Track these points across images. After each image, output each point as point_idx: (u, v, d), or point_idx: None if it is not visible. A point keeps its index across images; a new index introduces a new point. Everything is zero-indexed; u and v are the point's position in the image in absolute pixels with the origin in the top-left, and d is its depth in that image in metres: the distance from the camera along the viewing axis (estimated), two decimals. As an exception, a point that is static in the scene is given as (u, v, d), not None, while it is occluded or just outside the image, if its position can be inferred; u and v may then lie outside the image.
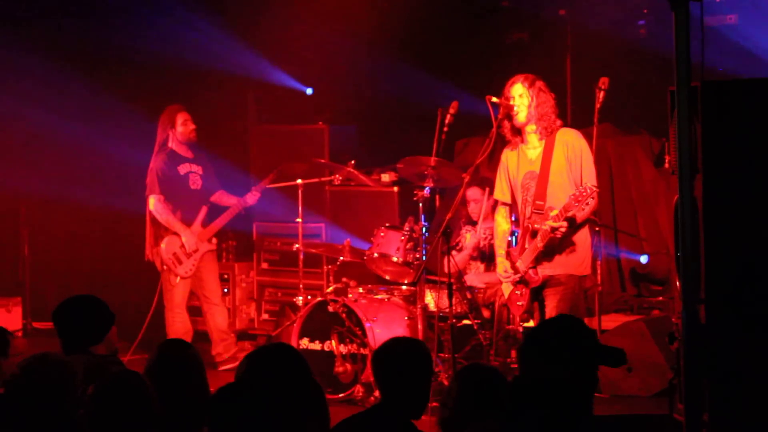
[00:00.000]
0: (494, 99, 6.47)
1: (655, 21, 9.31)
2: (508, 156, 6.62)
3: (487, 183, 8.18)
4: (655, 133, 9.50)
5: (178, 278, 8.58)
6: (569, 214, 6.12)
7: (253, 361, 3.94)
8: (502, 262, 6.60)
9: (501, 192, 6.70)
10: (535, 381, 3.54)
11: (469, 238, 8.31)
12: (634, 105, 9.41)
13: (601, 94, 7.26)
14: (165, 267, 8.60)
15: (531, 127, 6.45)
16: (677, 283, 5.09)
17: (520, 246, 6.43)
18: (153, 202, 8.57)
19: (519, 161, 6.53)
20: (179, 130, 8.65)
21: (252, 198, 8.75)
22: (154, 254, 8.64)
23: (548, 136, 6.41)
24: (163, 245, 8.56)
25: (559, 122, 6.46)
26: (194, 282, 8.73)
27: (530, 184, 6.42)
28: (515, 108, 6.43)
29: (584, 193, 5.95)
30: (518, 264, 6.41)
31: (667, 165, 8.92)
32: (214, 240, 8.81)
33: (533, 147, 6.48)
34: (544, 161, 6.36)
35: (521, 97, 6.44)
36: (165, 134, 8.67)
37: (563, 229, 6.10)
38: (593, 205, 6.21)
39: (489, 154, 6.65)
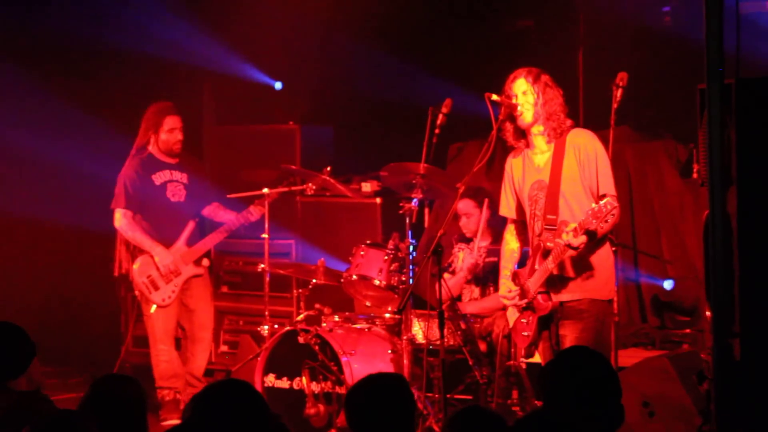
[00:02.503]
0: (494, 97, 6.45)
1: (683, 7, 9.33)
2: (512, 165, 6.61)
3: (482, 194, 8.16)
4: (682, 138, 9.51)
5: (154, 307, 8.36)
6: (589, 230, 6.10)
7: (200, 402, 3.91)
8: (505, 283, 6.58)
9: (507, 207, 6.68)
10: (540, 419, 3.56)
11: (462, 257, 8.29)
12: (658, 105, 9.43)
13: (619, 93, 7.25)
14: (139, 293, 8.43)
15: (538, 129, 6.44)
16: (707, 312, 5.08)
17: (530, 267, 6.41)
18: (118, 218, 8.40)
19: (525, 169, 6.51)
20: (162, 137, 8.44)
21: (256, 212, 8.49)
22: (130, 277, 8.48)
23: (557, 138, 6.39)
24: (135, 266, 8.37)
25: (569, 122, 6.45)
26: (181, 313, 8.53)
27: (539, 196, 6.40)
28: (519, 107, 6.42)
29: (604, 210, 5.94)
30: (526, 287, 6.39)
31: (695, 175, 9.01)
32: (205, 262, 8.58)
33: (540, 152, 6.46)
34: (554, 168, 6.34)
35: (525, 94, 6.42)
36: (146, 137, 8.46)
37: (582, 246, 6.07)
38: (614, 220, 6.19)
39: (488, 160, 6.64)
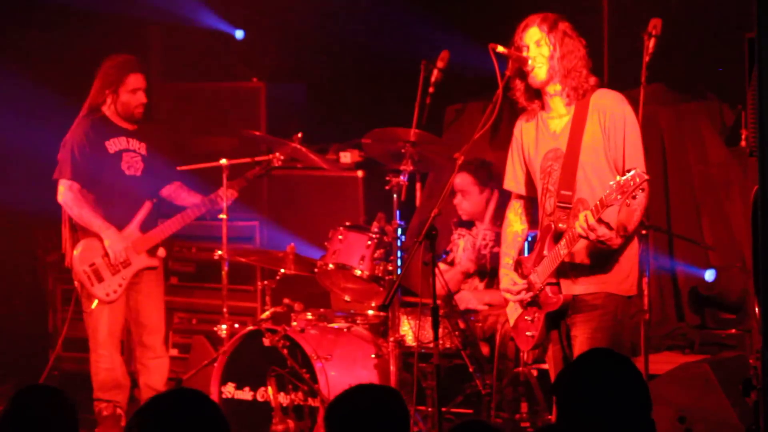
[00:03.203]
0: (501, 48, 6.43)
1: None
2: (523, 129, 6.59)
3: (484, 168, 8.16)
4: (728, 98, 9.52)
5: (96, 302, 8.25)
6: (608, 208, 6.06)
7: (145, 417, 3.90)
8: (507, 274, 6.56)
9: (514, 179, 6.65)
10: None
11: (463, 245, 8.29)
12: (698, 58, 9.43)
13: (652, 43, 7.26)
14: (78, 284, 8.34)
15: (554, 88, 6.42)
16: (756, 309, 5.10)
17: (537, 253, 6.39)
18: (62, 191, 8.25)
19: (538, 136, 6.49)
20: (123, 98, 8.31)
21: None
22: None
23: (579, 99, 6.37)
24: (76, 251, 8.26)
25: (592, 80, 6.42)
26: (127, 312, 8.44)
27: (553, 167, 6.38)
28: (530, 61, 6.40)
29: (630, 183, 5.92)
30: (532, 278, 6.37)
31: (743, 143, 9.02)
32: (161, 252, 8.47)
33: (558, 115, 6.44)
34: (573, 135, 6.32)
35: (539, 45, 6.40)
36: (102, 96, 8.32)
37: (600, 234, 6.04)
38: (643, 200, 6.17)
39: (492, 125, 6.63)
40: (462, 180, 8.17)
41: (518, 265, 6.47)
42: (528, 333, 6.44)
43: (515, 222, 6.68)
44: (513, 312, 6.55)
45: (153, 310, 8.51)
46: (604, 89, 6.44)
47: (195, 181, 8.67)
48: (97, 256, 8.25)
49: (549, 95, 6.43)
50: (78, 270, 8.26)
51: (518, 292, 6.43)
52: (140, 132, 8.47)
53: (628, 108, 6.35)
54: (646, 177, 5.86)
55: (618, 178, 5.90)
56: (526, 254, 6.62)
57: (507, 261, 6.60)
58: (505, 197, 7.56)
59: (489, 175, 8.15)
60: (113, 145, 8.35)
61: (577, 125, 6.32)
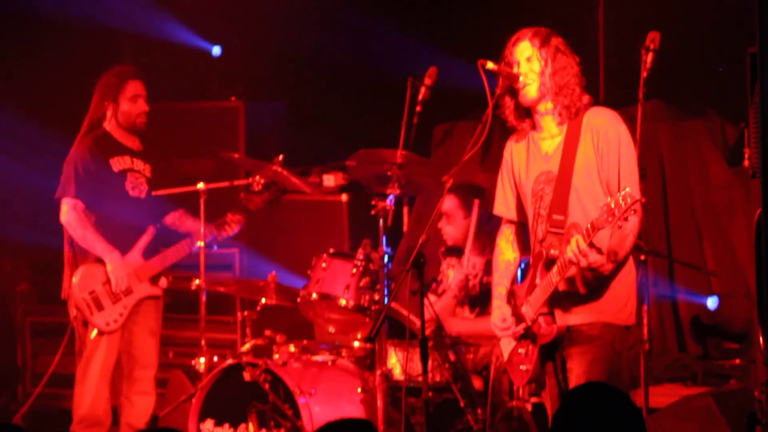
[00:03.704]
0: (490, 65, 6.41)
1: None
2: (513, 151, 6.56)
3: (472, 192, 8.13)
4: (730, 116, 9.52)
5: (95, 332, 8.18)
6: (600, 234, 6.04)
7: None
8: (499, 307, 6.53)
9: (504, 204, 6.63)
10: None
11: (452, 275, 8.26)
12: (699, 73, 9.43)
13: (650, 57, 7.24)
14: (77, 312, 8.25)
15: (545, 106, 6.40)
16: (761, 338, 5.08)
17: (529, 282, 6.37)
18: (66, 210, 8.20)
19: (529, 158, 6.47)
20: (123, 107, 8.29)
21: (234, 224, 8.38)
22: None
23: (571, 119, 6.35)
24: (75, 278, 8.19)
25: (586, 98, 6.40)
26: (120, 342, 8.34)
27: (545, 191, 6.36)
28: (521, 78, 6.38)
29: (622, 204, 5.89)
30: (524, 309, 6.35)
31: (746, 162, 9.01)
32: (163, 281, 8.41)
33: (549, 135, 6.42)
34: (566, 157, 6.30)
35: (530, 61, 6.39)
36: (101, 109, 8.31)
37: (591, 260, 6.01)
38: (636, 224, 6.15)
39: (483, 146, 6.60)
40: (448, 203, 8.14)
41: (512, 295, 6.45)
42: (522, 367, 6.40)
43: (507, 250, 6.64)
44: (507, 345, 6.52)
45: (147, 344, 8.44)
46: (598, 107, 6.41)
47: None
48: (98, 283, 8.19)
49: (540, 114, 6.40)
50: (77, 297, 8.18)
51: (508, 328, 6.39)
52: (145, 153, 8.44)
53: (623, 127, 6.32)
54: (639, 198, 5.83)
55: (609, 199, 5.86)
56: (519, 282, 6.60)
57: (500, 291, 6.56)
58: (490, 218, 7.57)
59: (477, 195, 8.13)
60: (117, 163, 8.31)
61: (570, 146, 6.28)
